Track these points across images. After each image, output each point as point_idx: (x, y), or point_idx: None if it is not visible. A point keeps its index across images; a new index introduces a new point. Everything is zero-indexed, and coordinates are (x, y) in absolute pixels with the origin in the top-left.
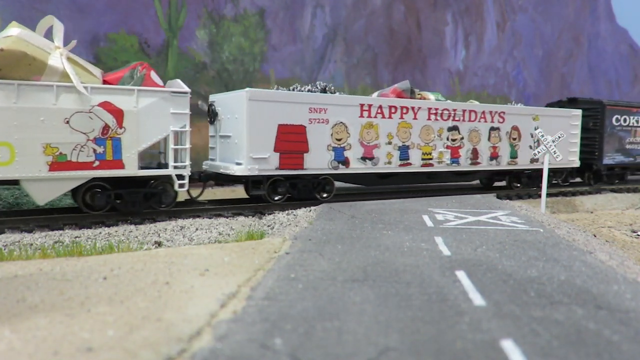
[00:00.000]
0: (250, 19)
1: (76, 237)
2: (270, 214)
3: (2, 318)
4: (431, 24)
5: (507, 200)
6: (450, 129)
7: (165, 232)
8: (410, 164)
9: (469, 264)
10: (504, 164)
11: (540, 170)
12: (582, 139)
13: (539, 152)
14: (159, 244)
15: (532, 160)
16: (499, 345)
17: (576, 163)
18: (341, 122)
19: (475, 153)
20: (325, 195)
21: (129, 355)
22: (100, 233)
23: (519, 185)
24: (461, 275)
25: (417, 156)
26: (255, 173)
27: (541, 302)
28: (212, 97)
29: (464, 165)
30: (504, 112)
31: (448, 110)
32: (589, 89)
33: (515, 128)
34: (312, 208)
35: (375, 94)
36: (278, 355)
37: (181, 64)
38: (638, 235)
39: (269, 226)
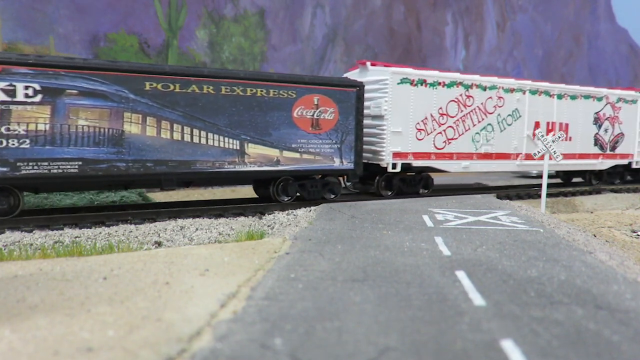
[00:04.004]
0: (250, 19)
1: (76, 237)
2: (270, 214)
3: (2, 318)
4: (431, 24)
5: (507, 200)
6: None
7: (165, 232)
8: None
9: (469, 264)
10: None
11: None
12: None
13: (538, 152)
14: (159, 244)
15: None
16: (499, 345)
17: None
18: None
19: None
20: None
21: (129, 355)
22: (100, 233)
23: None
24: (461, 275)
25: None
26: None
27: (541, 302)
28: None
29: None
30: None
31: None
32: None
33: None
34: (312, 208)
35: None
36: (278, 355)
37: (181, 64)
38: (638, 235)
39: (269, 226)
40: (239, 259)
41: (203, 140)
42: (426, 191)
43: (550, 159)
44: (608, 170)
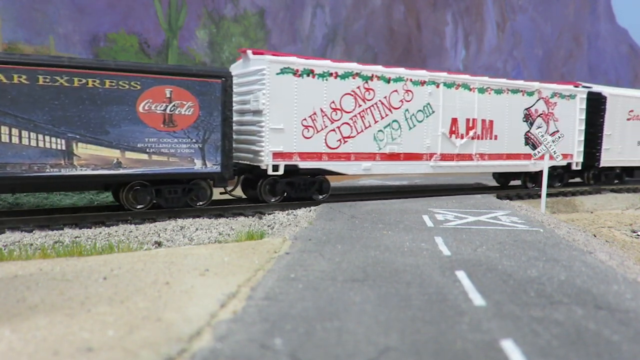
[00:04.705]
0: (250, 19)
1: (76, 237)
2: (270, 214)
3: (2, 318)
4: (431, 24)
5: (507, 201)
6: None
7: (165, 232)
8: None
9: (469, 264)
10: None
11: None
12: None
13: (538, 152)
14: (159, 244)
15: None
16: (499, 345)
17: None
18: None
19: None
20: None
21: (129, 355)
22: (100, 233)
23: None
24: (461, 275)
25: None
26: None
27: (541, 302)
28: None
29: None
30: None
31: None
32: None
33: None
34: (312, 208)
35: None
36: (278, 355)
37: (181, 64)
38: (638, 235)
39: (269, 226)
40: (239, 259)
41: (15, 139)
42: (321, 197)
43: (551, 158)
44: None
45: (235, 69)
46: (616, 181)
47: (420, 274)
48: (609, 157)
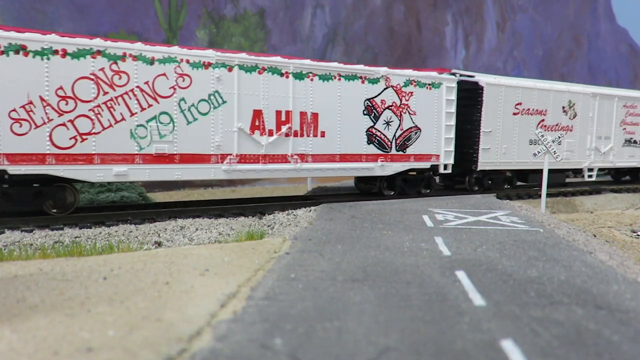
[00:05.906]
0: (250, 19)
1: (76, 237)
2: (270, 214)
3: (2, 318)
4: (431, 24)
5: (507, 201)
6: None
7: (165, 232)
8: None
9: (469, 264)
10: None
11: None
12: None
13: (539, 152)
14: (159, 244)
15: None
16: (499, 345)
17: None
18: None
19: None
20: None
21: (129, 355)
22: (100, 233)
23: None
24: (461, 275)
25: None
26: None
27: (541, 302)
28: None
29: None
30: None
31: None
32: None
33: None
34: (312, 208)
35: None
36: (278, 355)
37: None
38: (638, 235)
39: (269, 226)
40: (239, 259)
41: None
42: (56, 211)
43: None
44: (409, 177)
45: None
46: (507, 186)
47: (420, 274)
48: (489, 159)
